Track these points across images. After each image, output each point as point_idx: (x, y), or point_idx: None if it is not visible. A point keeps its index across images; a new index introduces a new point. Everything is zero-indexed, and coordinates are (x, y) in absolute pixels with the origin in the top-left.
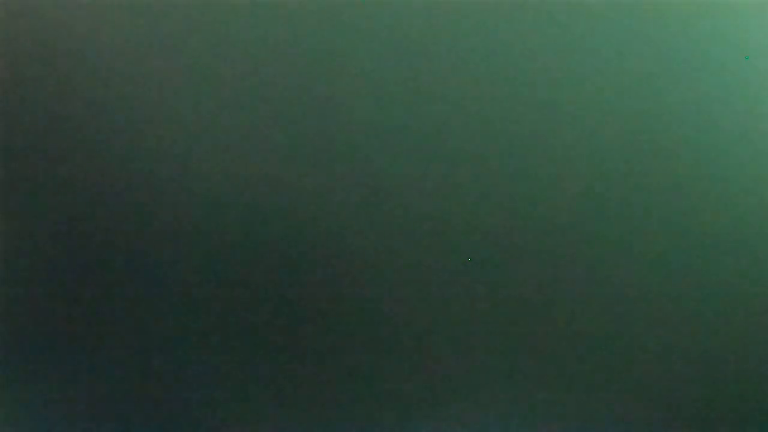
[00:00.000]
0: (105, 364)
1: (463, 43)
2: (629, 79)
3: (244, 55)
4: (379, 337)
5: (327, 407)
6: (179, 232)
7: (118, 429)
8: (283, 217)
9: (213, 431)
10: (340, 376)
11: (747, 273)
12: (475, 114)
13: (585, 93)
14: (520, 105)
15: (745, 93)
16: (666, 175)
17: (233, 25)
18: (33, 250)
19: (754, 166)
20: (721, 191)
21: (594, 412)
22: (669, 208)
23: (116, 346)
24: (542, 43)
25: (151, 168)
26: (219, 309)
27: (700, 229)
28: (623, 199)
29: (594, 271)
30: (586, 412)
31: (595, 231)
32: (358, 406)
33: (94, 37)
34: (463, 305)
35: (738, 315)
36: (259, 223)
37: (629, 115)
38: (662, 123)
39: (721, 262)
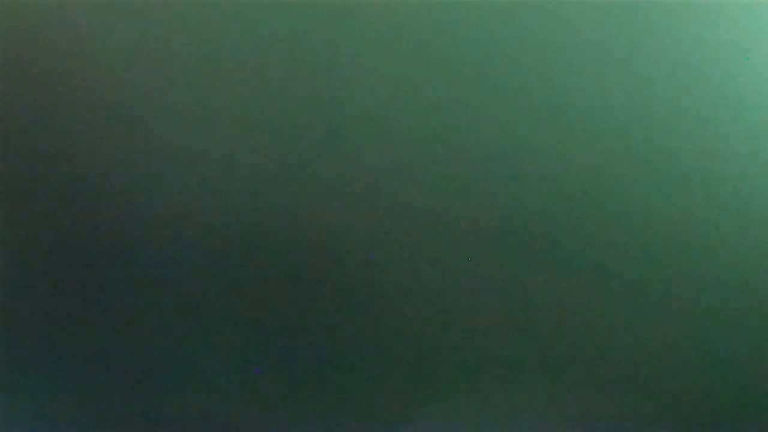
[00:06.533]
0: (104, 365)
1: (462, 43)
2: (629, 78)
3: (243, 56)
4: (378, 336)
5: (325, 407)
6: (179, 232)
7: (118, 429)
8: (283, 217)
9: (212, 430)
10: (339, 375)
11: (748, 272)
12: (475, 114)
13: (585, 93)
14: (521, 105)
15: (745, 93)
16: (666, 174)
17: (234, 27)
18: (32, 250)
19: (754, 165)
20: (722, 191)
21: (594, 412)
22: (669, 207)
23: (117, 346)
24: (543, 42)
25: (151, 168)
26: (219, 309)
27: (700, 228)
28: (624, 198)
29: (594, 271)
30: (586, 412)
31: (595, 231)
32: (357, 405)
33: (94, 38)
34: (462, 304)
35: (740, 315)
36: (259, 222)
37: (629, 114)
38: (662, 122)
39: (721, 262)
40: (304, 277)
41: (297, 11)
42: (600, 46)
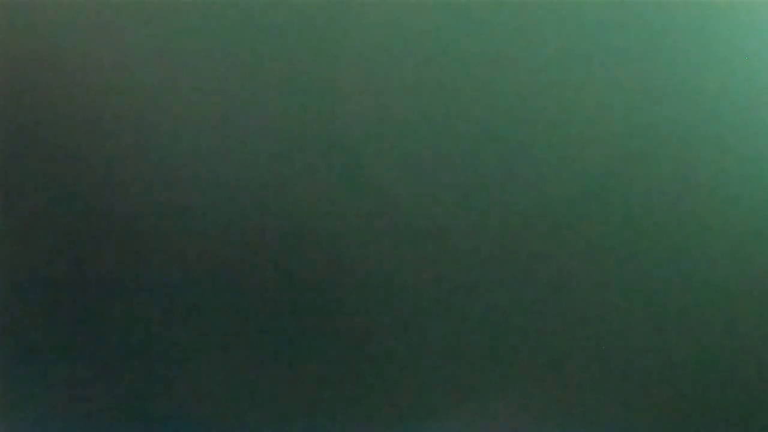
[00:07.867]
0: (103, 364)
1: (460, 43)
2: (628, 79)
3: (242, 56)
4: (378, 338)
5: (325, 407)
6: (178, 233)
7: (118, 428)
8: (282, 218)
9: (212, 430)
10: (339, 375)
11: (748, 273)
12: (474, 115)
13: (584, 93)
14: (520, 106)
15: (745, 93)
16: (666, 174)
17: (232, 27)
18: (33, 251)
19: (754, 165)
20: (722, 191)
21: (594, 412)
22: (669, 208)
23: (116, 347)
24: (542, 43)
25: (150, 169)
26: (218, 311)
27: (700, 229)
28: (623, 199)
29: (594, 273)
30: (586, 412)
31: (595, 232)
32: (358, 405)
33: (94, 39)
34: (462, 306)
35: (739, 316)
36: (258, 222)
37: (629, 114)
38: (661, 123)
39: (721, 263)
40: (305, 277)
41: (297, 11)
42: (599, 46)
